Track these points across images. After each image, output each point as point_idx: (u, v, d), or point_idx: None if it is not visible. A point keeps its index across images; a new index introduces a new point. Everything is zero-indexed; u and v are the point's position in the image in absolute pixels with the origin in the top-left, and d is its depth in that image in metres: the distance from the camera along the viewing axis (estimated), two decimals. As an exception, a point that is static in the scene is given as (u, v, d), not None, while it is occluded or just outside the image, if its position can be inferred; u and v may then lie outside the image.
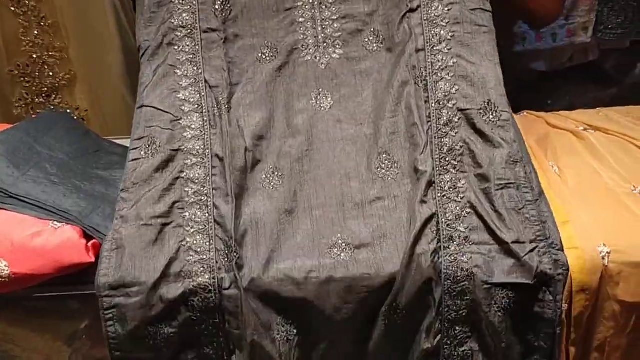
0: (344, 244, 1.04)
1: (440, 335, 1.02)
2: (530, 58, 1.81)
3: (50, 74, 1.54)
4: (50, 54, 1.52)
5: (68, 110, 1.55)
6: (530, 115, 1.42)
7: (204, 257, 1.03)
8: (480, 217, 1.04)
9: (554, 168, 1.19)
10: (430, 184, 1.07)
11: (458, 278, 1.00)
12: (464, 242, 1.02)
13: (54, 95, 1.56)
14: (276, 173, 1.13)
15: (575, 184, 1.14)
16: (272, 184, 1.12)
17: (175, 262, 1.02)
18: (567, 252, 1.00)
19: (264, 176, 1.12)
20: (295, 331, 1.03)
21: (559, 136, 1.29)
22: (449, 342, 1.03)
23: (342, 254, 1.03)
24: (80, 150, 1.29)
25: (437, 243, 1.02)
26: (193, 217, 1.06)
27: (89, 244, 1.06)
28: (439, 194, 1.06)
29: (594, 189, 1.12)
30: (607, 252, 1.00)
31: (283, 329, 1.02)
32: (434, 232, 1.03)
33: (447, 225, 1.04)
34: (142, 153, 1.12)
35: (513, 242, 1.00)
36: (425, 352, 1.03)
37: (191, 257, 1.03)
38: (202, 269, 1.02)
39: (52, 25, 1.49)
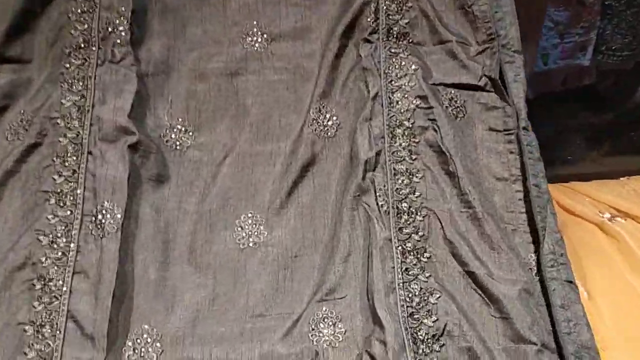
0: (259, 32, 0.93)
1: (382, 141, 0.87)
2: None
3: None
4: None
5: None
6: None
7: None
8: (423, 12, 0.94)
9: (582, 292, 0.86)
10: None
11: (398, 75, 0.91)
12: (402, 38, 0.92)
13: None
14: None
15: (614, 321, 0.84)
16: None
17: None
18: None
19: None
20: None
21: (580, 232, 0.97)
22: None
23: (257, 45, 0.93)
24: None
25: (373, 35, 0.92)
26: None
27: None
28: None
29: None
30: None
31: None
32: (372, 23, 0.92)
33: (388, 16, 0.93)
34: None
35: (458, 42, 0.91)
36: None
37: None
38: None
39: None
